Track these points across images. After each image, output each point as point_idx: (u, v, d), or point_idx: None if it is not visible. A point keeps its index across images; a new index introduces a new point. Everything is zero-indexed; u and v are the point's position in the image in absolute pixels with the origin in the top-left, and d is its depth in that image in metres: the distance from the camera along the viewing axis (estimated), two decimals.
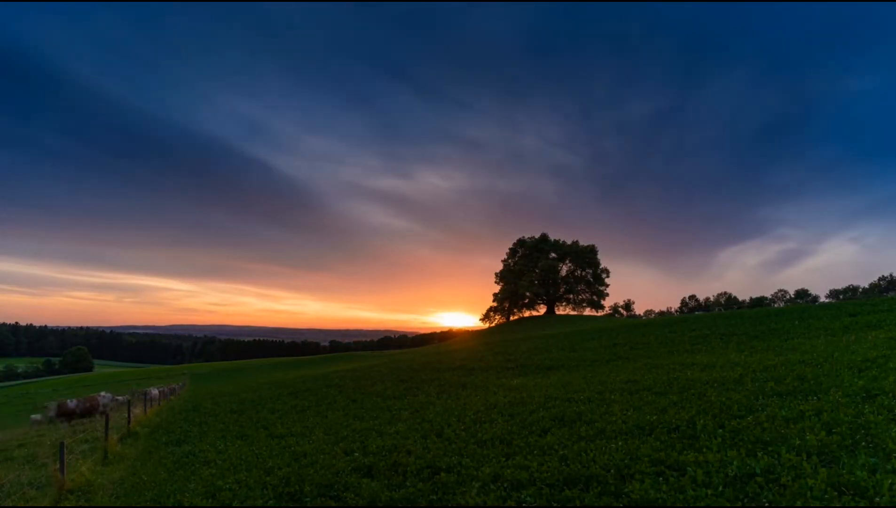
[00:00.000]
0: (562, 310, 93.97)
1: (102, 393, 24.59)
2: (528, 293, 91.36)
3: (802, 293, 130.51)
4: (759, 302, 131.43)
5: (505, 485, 6.12)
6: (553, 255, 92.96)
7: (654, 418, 8.19)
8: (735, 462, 5.53)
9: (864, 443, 5.60)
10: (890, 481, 4.44)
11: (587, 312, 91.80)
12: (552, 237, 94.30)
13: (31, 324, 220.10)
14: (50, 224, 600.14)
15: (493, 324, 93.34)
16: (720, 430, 6.96)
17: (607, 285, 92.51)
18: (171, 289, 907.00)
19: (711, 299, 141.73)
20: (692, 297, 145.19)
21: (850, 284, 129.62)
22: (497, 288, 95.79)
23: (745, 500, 4.70)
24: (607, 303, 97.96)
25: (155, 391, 26.32)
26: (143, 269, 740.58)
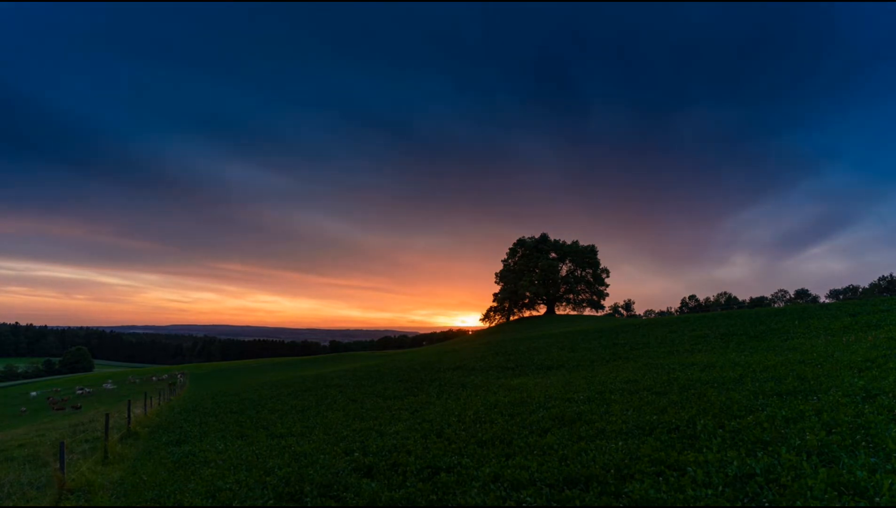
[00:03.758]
0: (562, 310, 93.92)
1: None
2: (528, 293, 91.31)
3: (802, 293, 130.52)
4: (758, 302, 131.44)
5: (505, 485, 6.12)
6: (553, 255, 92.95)
7: (654, 418, 8.20)
8: (735, 462, 5.53)
9: (864, 443, 5.60)
10: (890, 481, 4.44)
11: (587, 312, 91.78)
12: (552, 237, 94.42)
13: (31, 324, 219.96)
14: None
15: (493, 324, 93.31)
16: (720, 430, 6.97)
17: (607, 286, 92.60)
18: (111, 284, 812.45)
19: (711, 299, 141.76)
20: (692, 297, 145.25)
21: (850, 284, 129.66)
22: (497, 288, 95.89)
23: (745, 500, 4.70)
24: (607, 303, 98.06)
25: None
26: (46, 257, 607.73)
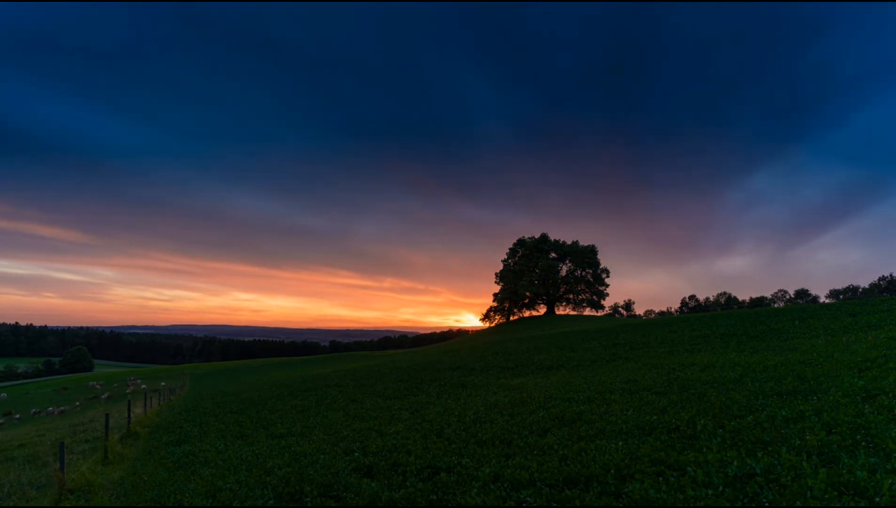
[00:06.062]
0: (562, 310, 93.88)
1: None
2: (528, 293, 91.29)
3: (802, 293, 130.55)
4: (758, 302, 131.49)
5: (505, 485, 6.12)
6: (553, 255, 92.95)
7: (654, 418, 8.20)
8: (735, 462, 5.53)
9: (864, 443, 5.60)
10: (890, 481, 4.44)
11: (587, 312, 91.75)
12: (552, 237, 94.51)
13: (31, 324, 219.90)
14: None
15: (493, 324, 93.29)
16: (720, 430, 6.97)
17: (607, 286, 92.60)
18: (73, 281, 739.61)
19: (711, 298, 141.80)
20: (692, 297, 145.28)
21: (850, 284, 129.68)
22: (497, 288, 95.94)
23: (745, 500, 4.70)
24: (607, 303, 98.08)
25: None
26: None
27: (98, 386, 55.54)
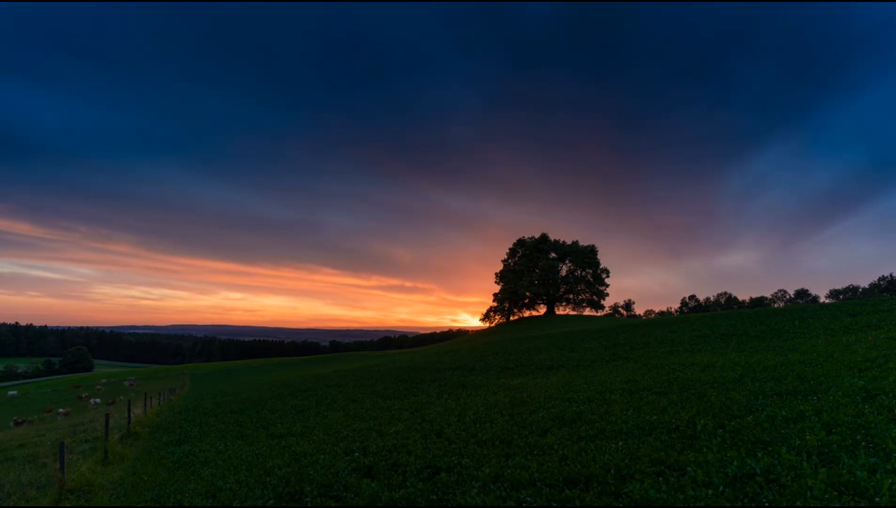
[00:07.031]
0: (562, 310, 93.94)
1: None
2: (528, 293, 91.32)
3: (802, 293, 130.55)
4: (758, 302, 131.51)
5: (505, 485, 6.12)
6: (553, 255, 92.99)
7: (654, 418, 8.20)
8: (735, 462, 5.53)
9: (864, 443, 5.60)
10: (890, 481, 4.44)
11: (587, 312, 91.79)
12: (552, 237, 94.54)
13: (31, 324, 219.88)
14: None
15: (493, 324, 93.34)
16: (720, 430, 6.97)
17: (607, 286, 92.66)
18: (51, 278, 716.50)
19: (711, 298, 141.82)
20: (692, 297, 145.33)
21: (850, 284, 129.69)
22: (497, 288, 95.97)
23: (745, 500, 4.70)
24: (607, 303, 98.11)
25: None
26: None
27: (100, 387, 55.60)
